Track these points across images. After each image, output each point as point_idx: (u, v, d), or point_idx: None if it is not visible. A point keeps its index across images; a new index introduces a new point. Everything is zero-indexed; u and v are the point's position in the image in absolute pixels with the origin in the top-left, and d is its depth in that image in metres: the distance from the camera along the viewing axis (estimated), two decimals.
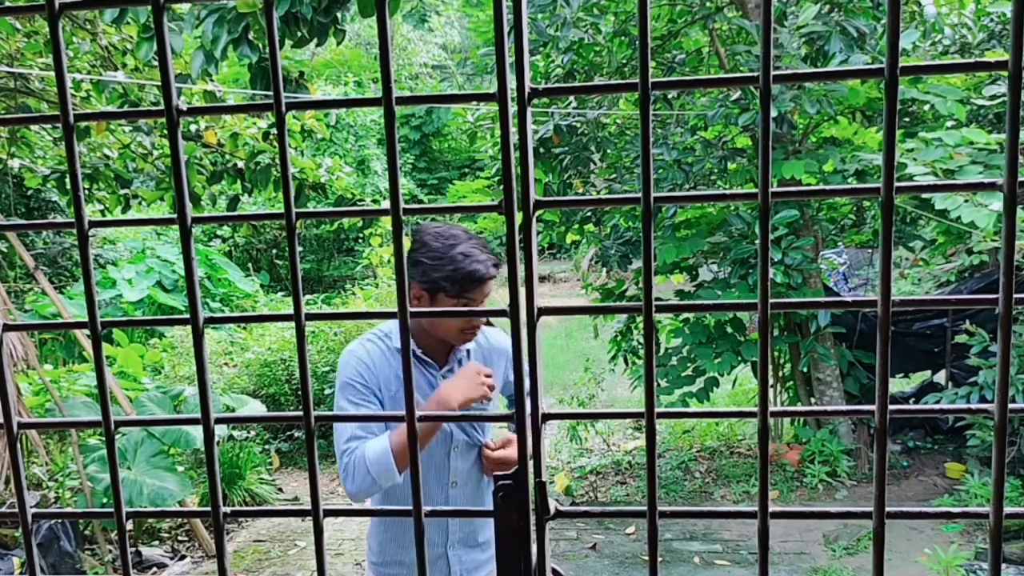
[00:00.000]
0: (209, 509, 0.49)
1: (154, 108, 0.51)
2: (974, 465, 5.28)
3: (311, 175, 4.91)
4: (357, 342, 1.97)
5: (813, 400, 5.75)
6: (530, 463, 0.49)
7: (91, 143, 4.65)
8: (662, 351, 5.96)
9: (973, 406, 0.43)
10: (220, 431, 5.14)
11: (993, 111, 5.79)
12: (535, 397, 0.46)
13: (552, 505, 0.47)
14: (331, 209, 0.48)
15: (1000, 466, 0.43)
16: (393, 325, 2.02)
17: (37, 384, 4.72)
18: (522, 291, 0.47)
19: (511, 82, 0.44)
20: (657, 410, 0.42)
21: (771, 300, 0.43)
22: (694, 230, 5.69)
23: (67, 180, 4.75)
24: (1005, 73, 0.41)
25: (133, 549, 4.67)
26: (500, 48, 0.43)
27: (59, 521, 4.07)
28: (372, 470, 1.73)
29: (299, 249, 0.47)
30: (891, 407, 0.42)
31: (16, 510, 0.53)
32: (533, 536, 0.50)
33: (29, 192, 8.84)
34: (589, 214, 6.36)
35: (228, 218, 0.50)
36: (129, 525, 0.48)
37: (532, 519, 0.49)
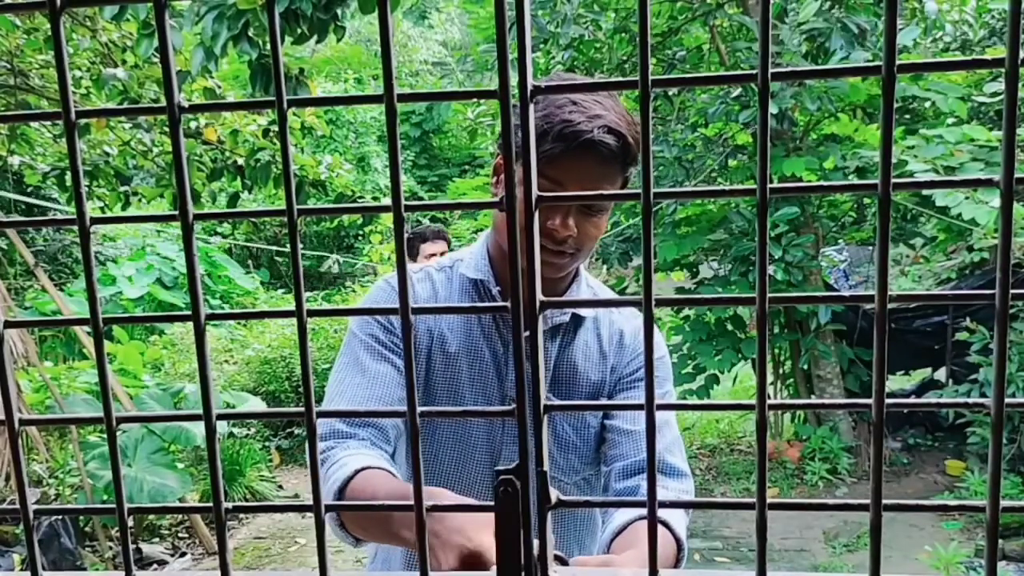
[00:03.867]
0: (211, 505, 0.49)
1: (156, 105, 0.52)
2: (974, 462, 5.28)
3: (311, 172, 4.91)
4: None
5: (813, 397, 5.75)
6: (531, 453, 0.49)
7: (91, 140, 4.65)
8: None
9: (970, 400, 0.44)
10: (220, 428, 5.16)
11: (994, 108, 5.78)
12: (536, 388, 0.46)
13: (553, 494, 0.47)
14: (332, 206, 0.48)
15: (996, 460, 0.43)
16: (466, 251, 1.40)
17: (37, 381, 4.72)
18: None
19: (513, 79, 0.44)
20: (658, 402, 0.43)
21: (769, 294, 0.43)
22: (695, 227, 5.70)
23: (67, 177, 4.76)
24: (1004, 70, 0.41)
25: (134, 546, 4.68)
26: (502, 44, 0.43)
27: (59, 518, 4.08)
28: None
29: (299, 246, 0.47)
30: (888, 400, 0.43)
31: (17, 506, 0.53)
32: (534, 526, 0.50)
33: (29, 189, 8.84)
34: None
35: (229, 215, 0.50)
36: (130, 522, 0.48)
37: (533, 508, 0.49)
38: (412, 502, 0.47)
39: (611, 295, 1.56)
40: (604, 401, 1.33)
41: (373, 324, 1.29)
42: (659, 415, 1.32)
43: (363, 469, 1.13)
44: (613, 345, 1.37)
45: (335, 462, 1.17)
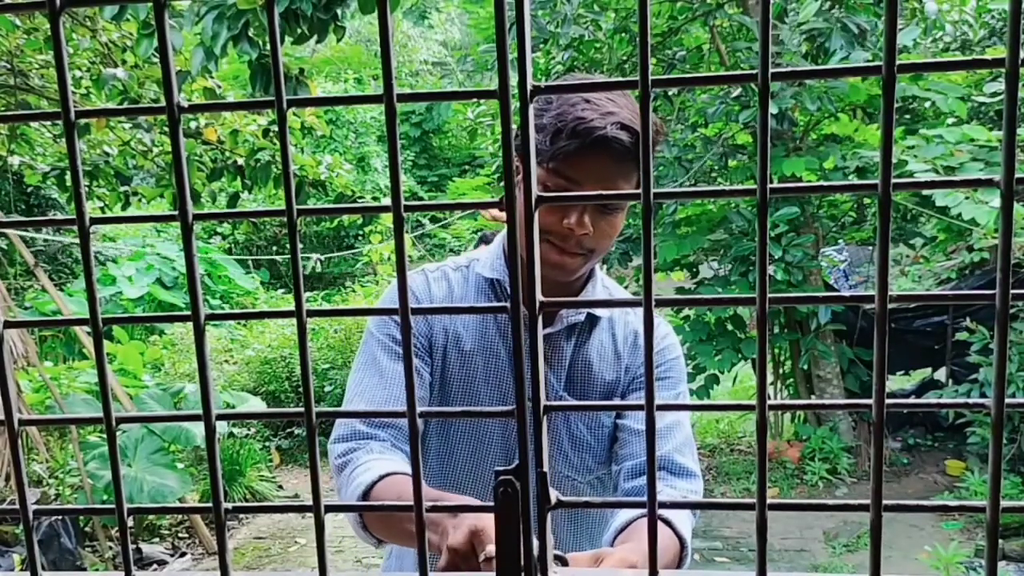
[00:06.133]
0: (210, 505, 0.49)
1: (155, 105, 0.51)
2: (974, 462, 5.28)
3: (311, 172, 4.91)
4: (416, 271, 1.37)
5: (813, 397, 5.75)
6: (531, 453, 0.49)
7: (91, 140, 4.65)
8: None
9: (970, 400, 0.44)
10: (220, 428, 5.16)
11: (994, 108, 5.78)
12: (536, 388, 0.46)
13: (553, 495, 0.47)
14: (332, 206, 0.48)
15: (997, 460, 0.43)
16: (483, 250, 1.40)
17: (37, 381, 4.72)
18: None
19: (512, 79, 0.44)
20: (657, 403, 0.43)
21: (769, 295, 0.43)
22: (694, 227, 5.69)
23: (67, 177, 4.76)
24: (1004, 70, 0.41)
25: (134, 546, 4.68)
26: (501, 44, 0.43)
27: (59, 518, 4.08)
28: (348, 517, 1.24)
29: (299, 246, 0.47)
30: (888, 400, 0.43)
31: (17, 506, 0.53)
32: (534, 526, 0.50)
33: (29, 189, 8.84)
34: None
35: (229, 215, 0.50)
36: (130, 522, 0.48)
37: (533, 509, 0.49)
38: (426, 503, 0.47)
39: (627, 295, 1.56)
40: (615, 401, 1.33)
41: (390, 323, 1.30)
42: (671, 415, 1.32)
43: (389, 474, 1.14)
44: (628, 345, 1.37)
45: (360, 464, 1.19)
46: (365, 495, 1.14)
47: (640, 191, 0.44)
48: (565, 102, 1.13)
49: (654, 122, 1.16)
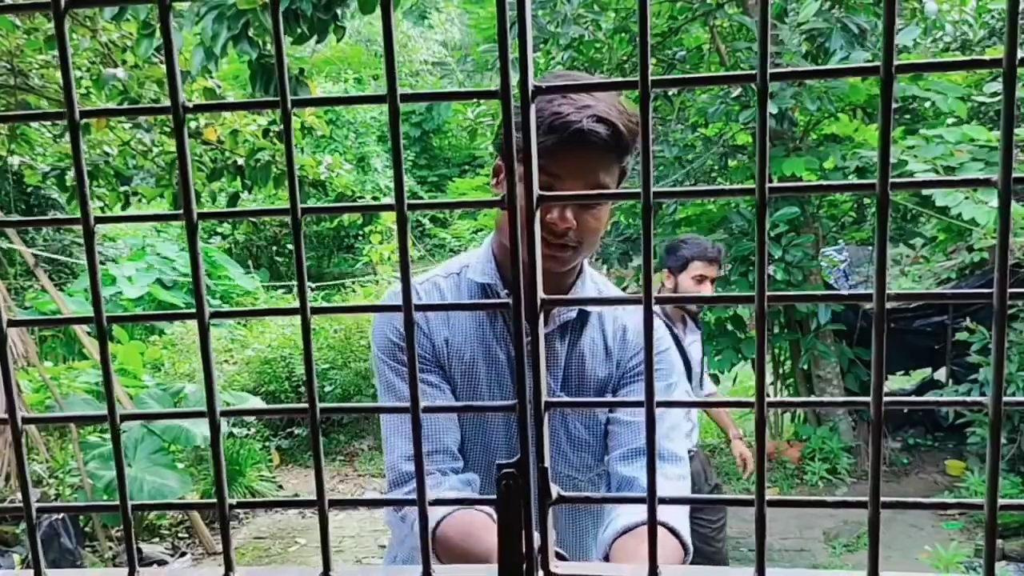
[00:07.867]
0: (214, 501, 0.50)
1: (160, 105, 0.52)
2: (974, 462, 5.28)
3: (311, 172, 4.91)
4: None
5: (813, 397, 5.75)
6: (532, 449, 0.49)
7: (91, 140, 4.65)
8: None
9: (968, 399, 0.44)
10: (221, 427, 5.15)
11: (994, 108, 5.78)
12: (537, 385, 0.46)
13: (554, 490, 0.48)
14: (335, 204, 0.49)
15: (995, 459, 0.43)
16: (472, 254, 1.40)
17: (37, 381, 4.73)
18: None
19: (513, 79, 0.45)
20: (657, 399, 0.43)
21: (767, 293, 0.43)
22: (694, 227, 5.70)
23: (67, 177, 4.76)
24: (1002, 70, 0.42)
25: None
26: (503, 44, 0.44)
27: (59, 518, 4.08)
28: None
29: (303, 245, 0.48)
30: (886, 398, 0.43)
31: (20, 505, 0.53)
32: (535, 522, 0.50)
33: (29, 189, 8.84)
34: None
35: (232, 214, 0.51)
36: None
37: (534, 505, 0.50)
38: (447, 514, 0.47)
39: (615, 291, 1.58)
40: (608, 396, 1.34)
41: (394, 347, 1.30)
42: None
43: (455, 511, 1.16)
44: (617, 340, 1.38)
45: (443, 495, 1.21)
46: (434, 529, 1.15)
47: (639, 190, 0.45)
48: (542, 99, 1.13)
49: (632, 118, 1.17)
